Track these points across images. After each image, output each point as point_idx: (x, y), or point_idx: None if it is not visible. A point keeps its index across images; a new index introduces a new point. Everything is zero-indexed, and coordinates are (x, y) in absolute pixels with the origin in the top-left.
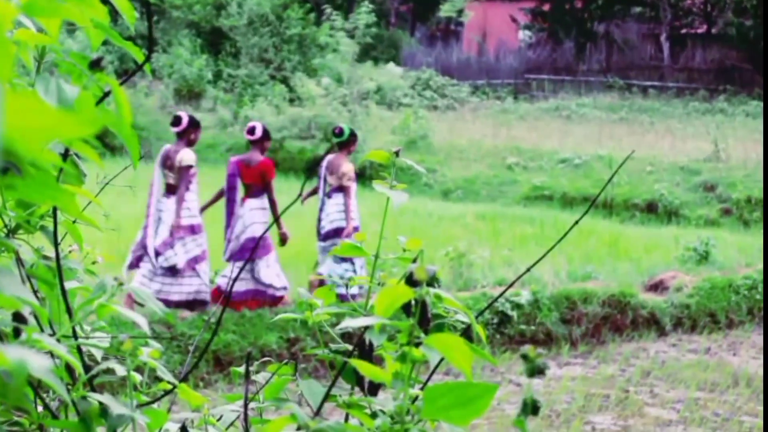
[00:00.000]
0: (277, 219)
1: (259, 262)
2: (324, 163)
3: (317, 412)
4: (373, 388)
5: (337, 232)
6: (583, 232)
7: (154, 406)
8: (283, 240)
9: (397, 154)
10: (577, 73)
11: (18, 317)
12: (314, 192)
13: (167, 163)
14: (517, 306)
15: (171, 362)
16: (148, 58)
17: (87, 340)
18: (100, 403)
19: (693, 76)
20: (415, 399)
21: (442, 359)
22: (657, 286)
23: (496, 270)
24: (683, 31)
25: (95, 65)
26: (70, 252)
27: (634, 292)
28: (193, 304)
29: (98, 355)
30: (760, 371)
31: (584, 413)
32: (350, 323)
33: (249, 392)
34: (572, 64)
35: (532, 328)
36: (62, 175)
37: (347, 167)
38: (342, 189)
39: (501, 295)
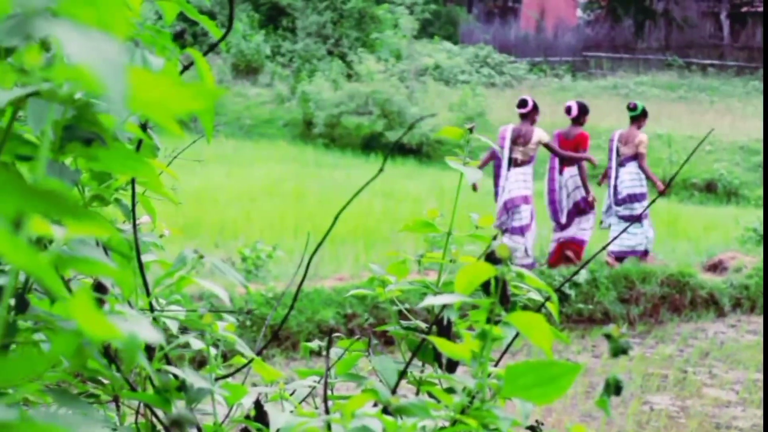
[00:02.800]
0: (585, 185)
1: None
2: (616, 137)
3: (394, 389)
4: (451, 366)
5: (630, 198)
6: None
7: (230, 380)
8: (590, 204)
9: (471, 130)
10: (636, 51)
11: (99, 288)
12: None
13: (518, 140)
14: (575, 284)
15: None
16: (226, 34)
17: (164, 313)
18: (176, 377)
19: (753, 54)
20: (488, 377)
21: (515, 337)
22: (716, 267)
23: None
24: (743, 9)
25: (179, 37)
26: (139, 225)
27: (693, 272)
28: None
29: (174, 328)
30: None
31: (642, 393)
32: (432, 300)
33: (318, 367)
34: (631, 42)
35: (590, 307)
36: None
37: (641, 137)
38: (635, 157)
39: (575, 274)
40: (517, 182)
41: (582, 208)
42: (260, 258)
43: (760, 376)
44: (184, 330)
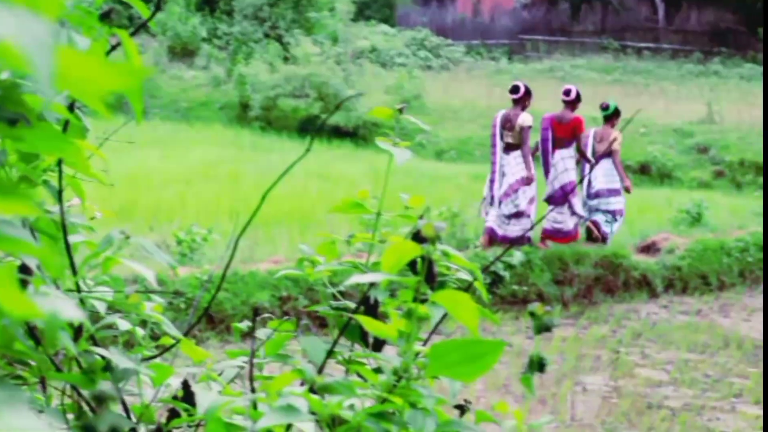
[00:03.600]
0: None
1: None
2: (591, 135)
3: (321, 369)
4: (378, 345)
5: (605, 193)
6: None
7: (156, 360)
8: (627, 189)
9: (400, 111)
10: (572, 34)
11: (24, 269)
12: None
13: (507, 125)
14: (510, 266)
15: None
16: (153, 14)
17: (91, 294)
18: (103, 358)
19: (688, 38)
20: (416, 356)
21: (444, 317)
22: (649, 248)
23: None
24: None
25: (105, 17)
26: (69, 207)
27: (627, 254)
28: (520, 240)
29: (101, 309)
30: (751, 333)
31: (575, 373)
32: (358, 279)
33: (249, 349)
34: (567, 25)
35: (524, 288)
36: (68, 128)
37: (615, 134)
38: (610, 154)
39: (502, 254)
40: (517, 165)
41: (567, 192)
42: (195, 241)
43: (692, 356)
44: (110, 312)
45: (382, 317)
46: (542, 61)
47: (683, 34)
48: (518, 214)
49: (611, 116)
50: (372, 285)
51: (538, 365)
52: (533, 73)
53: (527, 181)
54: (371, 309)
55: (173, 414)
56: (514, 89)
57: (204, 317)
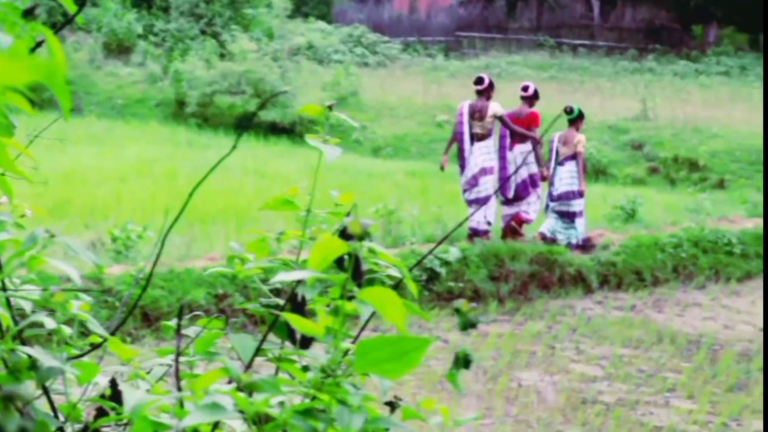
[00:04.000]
0: (538, 160)
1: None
2: (556, 138)
3: (248, 366)
4: (305, 342)
5: (567, 195)
6: None
7: (85, 359)
8: (544, 178)
9: (330, 108)
10: (508, 31)
11: None
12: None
13: (476, 115)
14: (446, 263)
15: (99, 317)
16: (80, 9)
17: (16, 293)
18: (30, 356)
19: (622, 35)
20: (346, 353)
21: (372, 314)
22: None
23: (425, 227)
24: None
25: (28, 14)
26: None
27: (562, 250)
28: (483, 233)
29: (27, 308)
30: (684, 328)
31: (511, 369)
32: (283, 277)
33: (179, 346)
34: (503, 22)
35: (460, 285)
36: None
37: (579, 137)
38: (574, 157)
39: (432, 250)
40: (482, 155)
41: (527, 185)
42: (130, 239)
43: (626, 351)
44: (36, 310)
45: (310, 314)
46: (478, 58)
47: (618, 32)
48: (479, 201)
49: (575, 119)
50: (299, 282)
51: (463, 362)
52: (469, 69)
53: (491, 172)
54: (298, 306)
55: (101, 413)
56: (479, 80)
57: (139, 315)
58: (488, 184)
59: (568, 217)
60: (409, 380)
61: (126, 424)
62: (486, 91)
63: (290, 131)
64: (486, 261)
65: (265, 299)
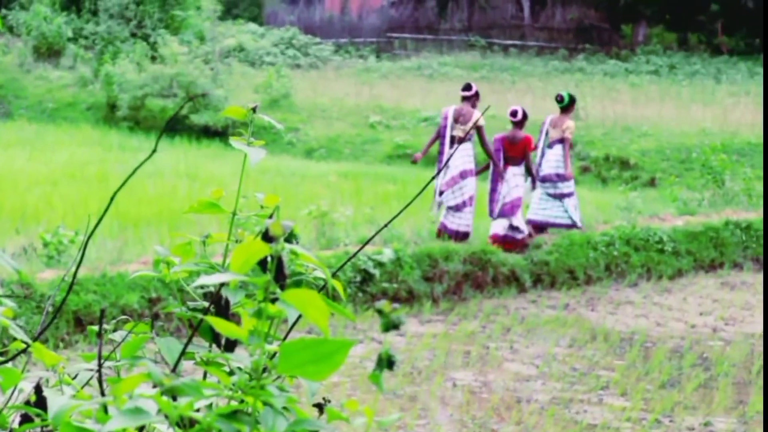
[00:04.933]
0: (533, 179)
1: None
2: (548, 121)
3: (173, 369)
4: (230, 345)
5: (551, 178)
6: None
7: (9, 365)
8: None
9: (254, 110)
10: (439, 32)
11: None
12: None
13: (460, 119)
14: (380, 264)
15: (30, 323)
16: None
17: None
18: None
19: (553, 35)
20: (273, 356)
21: (300, 316)
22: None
23: (359, 228)
24: None
25: None
26: None
27: (495, 250)
28: (463, 236)
29: None
30: (617, 326)
31: (445, 369)
32: (205, 280)
33: (108, 351)
34: (434, 23)
35: (395, 286)
36: None
37: (568, 123)
38: (562, 141)
39: (358, 251)
40: (462, 158)
41: (516, 206)
42: (62, 243)
43: (560, 350)
44: None
45: (235, 317)
46: (410, 59)
47: (549, 32)
48: (460, 206)
49: (567, 106)
50: (222, 285)
51: (387, 363)
52: (401, 71)
53: (471, 174)
54: (222, 309)
55: (25, 419)
56: (467, 87)
57: (72, 320)
58: (469, 186)
59: (556, 198)
60: (344, 382)
61: (51, 431)
62: (472, 98)
63: (223, 134)
64: (420, 262)
65: (192, 303)
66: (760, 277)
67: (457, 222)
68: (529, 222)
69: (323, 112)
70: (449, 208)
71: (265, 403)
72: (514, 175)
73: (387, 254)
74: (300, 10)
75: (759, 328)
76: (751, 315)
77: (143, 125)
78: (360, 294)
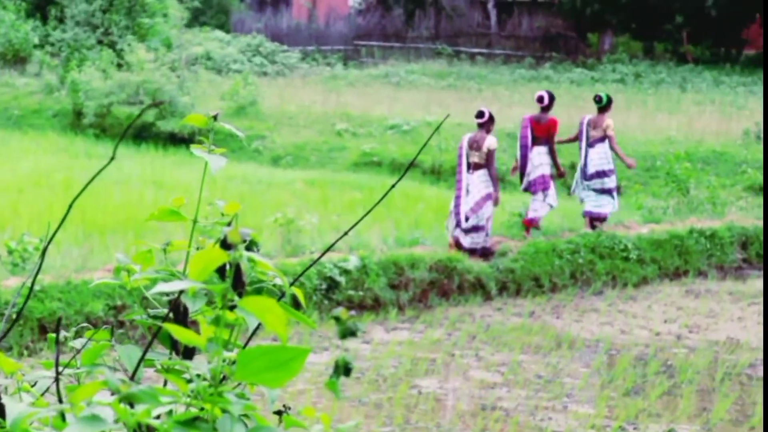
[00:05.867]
0: (555, 162)
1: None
2: (585, 121)
3: (132, 376)
4: (188, 353)
5: (599, 174)
6: (411, 198)
7: None
8: (561, 175)
9: (215, 118)
10: (406, 39)
11: None
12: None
13: (474, 146)
14: (345, 271)
15: None
16: None
17: None
18: None
19: (520, 43)
20: (234, 363)
21: (260, 324)
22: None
23: (325, 236)
24: None
25: None
26: None
27: (461, 258)
28: (483, 252)
29: None
30: (582, 333)
31: (411, 377)
32: (163, 287)
33: (69, 359)
34: (401, 31)
35: (360, 293)
36: None
37: (608, 122)
38: (604, 139)
39: (319, 258)
40: (482, 183)
41: (538, 184)
42: (27, 250)
43: (525, 357)
44: None
45: (192, 324)
46: (377, 67)
47: (515, 40)
48: (478, 228)
49: (605, 106)
50: (181, 292)
51: (344, 370)
52: (368, 78)
53: (491, 198)
54: (180, 317)
55: None
56: (479, 114)
57: (37, 328)
58: (489, 208)
59: (605, 192)
60: (310, 390)
61: None
62: (485, 125)
63: (190, 141)
64: (386, 269)
65: (153, 310)
66: (724, 285)
67: (475, 241)
68: (587, 214)
69: (290, 120)
70: (467, 230)
71: (223, 410)
72: (539, 153)
73: (353, 262)
74: (267, 18)
75: (722, 336)
76: (714, 323)
77: (109, 132)
78: (326, 301)
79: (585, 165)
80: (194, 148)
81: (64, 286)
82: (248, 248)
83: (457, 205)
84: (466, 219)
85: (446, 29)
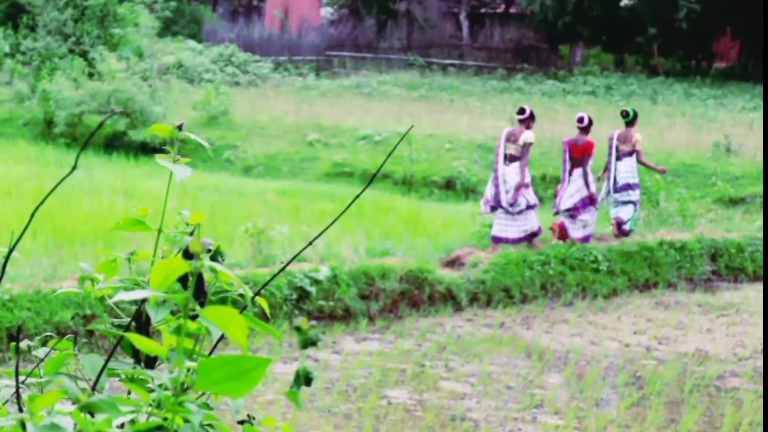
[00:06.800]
0: (587, 184)
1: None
2: (615, 136)
3: (94, 386)
4: (150, 362)
5: (627, 186)
6: (382, 209)
7: None
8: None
9: (180, 127)
10: (378, 50)
11: None
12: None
13: (511, 138)
14: (316, 282)
15: None
16: None
17: None
18: None
19: (491, 54)
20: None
21: (223, 334)
22: (454, 262)
23: (296, 246)
24: (482, 10)
25: None
26: None
27: (432, 268)
28: (529, 238)
29: None
30: (552, 344)
31: (381, 387)
32: (123, 296)
33: (31, 368)
34: (373, 42)
35: (331, 303)
36: None
37: (636, 136)
38: (632, 153)
39: (283, 269)
40: (516, 175)
41: (583, 205)
42: None
43: (495, 368)
44: None
45: (154, 334)
46: (349, 77)
47: (487, 51)
48: (519, 213)
49: (631, 121)
50: (143, 301)
51: (304, 380)
52: (340, 89)
53: (525, 186)
54: (143, 326)
55: None
56: (521, 111)
57: (5, 337)
58: (529, 196)
59: (628, 203)
60: (280, 400)
61: None
62: (526, 120)
63: (161, 151)
64: (356, 280)
65: (118, 320)
66: (693, 296)
67: (513, 230)
68: (615, 224)
69: (262, 130)
70: (511, 217)
71: (186, 420)
72: (580, 176)
73: (323, 272)
74: (239, 28)
75: (692, 348)
76: (683, 334)
77: (80, 142)
78: (296, 311)
79: (615, 178)
80: (159, 158)
81: (34, 295)
82: (214, 258)
83: (497, 194)
84: (510, 206)
85: (418, 40)
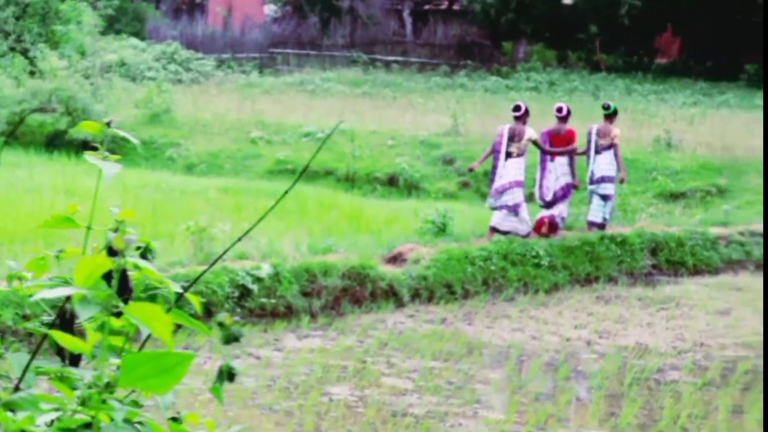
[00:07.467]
0: (573, 173)
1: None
2: (593, 130)
3: (18, 384)
4: (74, 360)
5: (603, 179)
6: (324, 206)
7: None
8: (575, 187)
9: (108, 125)
10: (322, 47)
11: None
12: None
13: (514, 138)
14: (258, 279)
15: None
16: None
17: None
18: None
19: (435, 51)
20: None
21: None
22: (396, 258)
23: (238, 244)
24: (426, 7)
25: None
26: None
27: (374, 265)
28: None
29: None
30: (494, 340)
31: (322, 384)
32: (46, 294)
33: None
34: (317, 39)
35: (273, 301)
36: None
37: (615, 131)
38: (611, 147)
39: (209, 268)
40: (514, 170)
41: (566, 192)
42: None
43: (436, 363)
44: None
45: (79, 331)
46: (293, 75)
47: (430, 48)
48: (514, 208)
49: (611, 115)
50: (68, 298)
51: (228, 375)
52: (284, 86)
53: (521, 185)
54: (67, 323)
55: None
56: (516, 108)
57: None
58: (519, 194)
59: (604, 199)
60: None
61: None
62: (522, 117)
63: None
64: (298, 277)
65: (47, 318)
66: (634, 290)
67: (513, 224)
68: (589, 222)
69: (204, 128)
70: (505, 210)
71: (110, 417)
72: (561, 164)
73: (265, 269)
74: (182, 26)
75: (632, 341)
76: (624, 328)
77: (21, 140)
78: (238, 309)
79: (593, 171)
80: (88, 155)
81: None
82: (144, 256)
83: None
84: (501, 194)
85: (362, 37)
